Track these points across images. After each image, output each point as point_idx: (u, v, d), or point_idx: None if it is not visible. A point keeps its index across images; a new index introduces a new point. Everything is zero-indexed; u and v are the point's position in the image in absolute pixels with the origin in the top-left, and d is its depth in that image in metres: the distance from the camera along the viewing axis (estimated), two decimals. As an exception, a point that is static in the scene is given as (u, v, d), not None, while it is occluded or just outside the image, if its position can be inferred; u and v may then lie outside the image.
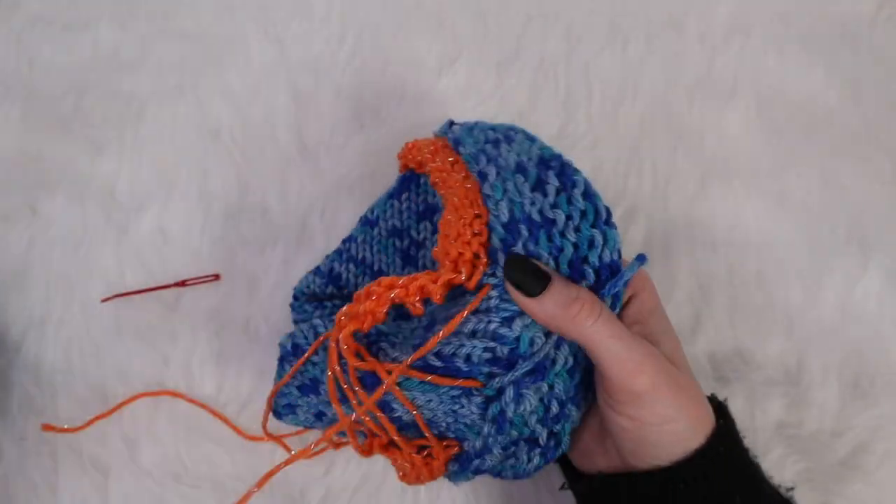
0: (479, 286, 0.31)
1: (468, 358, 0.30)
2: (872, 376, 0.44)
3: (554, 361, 0.31)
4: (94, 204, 0.51)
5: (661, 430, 0.29)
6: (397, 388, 0.31)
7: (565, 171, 0.31)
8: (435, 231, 0.41)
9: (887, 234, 0.48)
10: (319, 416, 0.37)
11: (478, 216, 0.32)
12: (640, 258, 0.31)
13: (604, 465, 0.33)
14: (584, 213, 0.30)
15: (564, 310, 0.28)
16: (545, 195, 0.30)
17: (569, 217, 0.30)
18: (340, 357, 0.31)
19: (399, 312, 0.35)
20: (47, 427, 0.43)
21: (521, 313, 0.30)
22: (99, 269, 0.48)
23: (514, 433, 0.32)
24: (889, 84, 0.55)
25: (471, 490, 0.42)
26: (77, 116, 0.55)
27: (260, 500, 0.42)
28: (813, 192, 0.50)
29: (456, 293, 0.32)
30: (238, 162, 0.52)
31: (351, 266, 0.42)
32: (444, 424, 0.32)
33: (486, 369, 0.30)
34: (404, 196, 0.42)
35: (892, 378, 0.43)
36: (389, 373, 0.30)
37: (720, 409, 0.32)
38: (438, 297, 0.31)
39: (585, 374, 0.33)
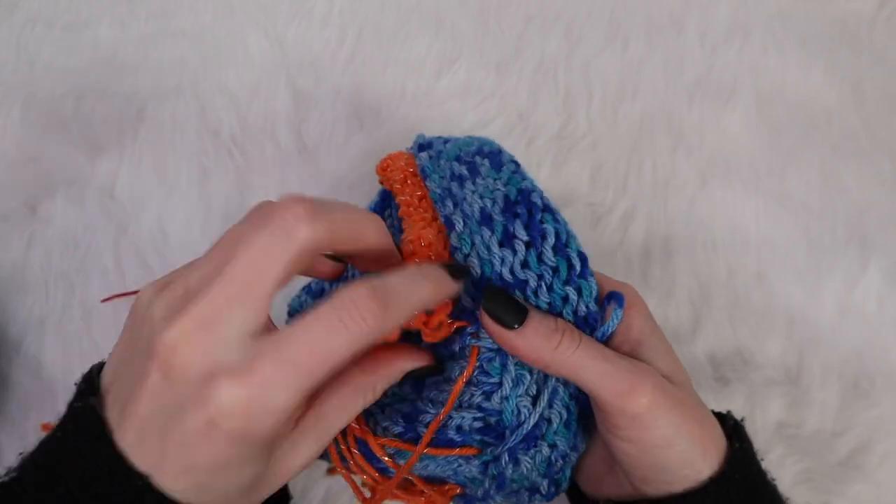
0: (463, 347, 0.30)
1: (459, 428, 0.29)
2: (872, 376, 0.44)
3: (549, 421, 0.30)
4: (94, 204, 0.51)
5: (667, 452, 0.27)
6: (392, 461, 0.30)
7: (533, 219, 0.29)
8: None
9: (887, 234, 0.48)
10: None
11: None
12: (619, 300, 0.30)
13: (613, 491, 0.31)
14: (555, 270, 0.29)
15: (545, 341, 0.27)
16: (514, 252, 0.29)
17: (540, 276, 0.29)
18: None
19: None
20: (47, 427, 0.43)
21: (500, 385, 0.29)
22: (99, 269, 0.48)
23: (515, 486, 0.31)
24: (889, 84, 0.55)
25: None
26: (77, 116, 0.55)
27: (260, 500, 0.42)
28: (813, 192, 0.50)
29: (437, 345, 0.31)
30: (238, 162, 0.52)
31: (339, 285, 0.42)
32: (444, 477, 0.32)
33: (478, 437, 0.29)
34: (386, 213, 0.41)
35: (892, 378, 0.43)
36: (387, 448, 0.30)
37: (736, 430, 0.30)
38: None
39: (583, 410, 0.32)
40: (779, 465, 0.41)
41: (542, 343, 0.27)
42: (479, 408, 0.29)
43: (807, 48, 0.56)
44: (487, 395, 0.29)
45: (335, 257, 0.33)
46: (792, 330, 0.45)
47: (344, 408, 0.27)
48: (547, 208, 0.30)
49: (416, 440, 0.30)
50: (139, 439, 0.23)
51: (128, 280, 0.48)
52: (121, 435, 0.23)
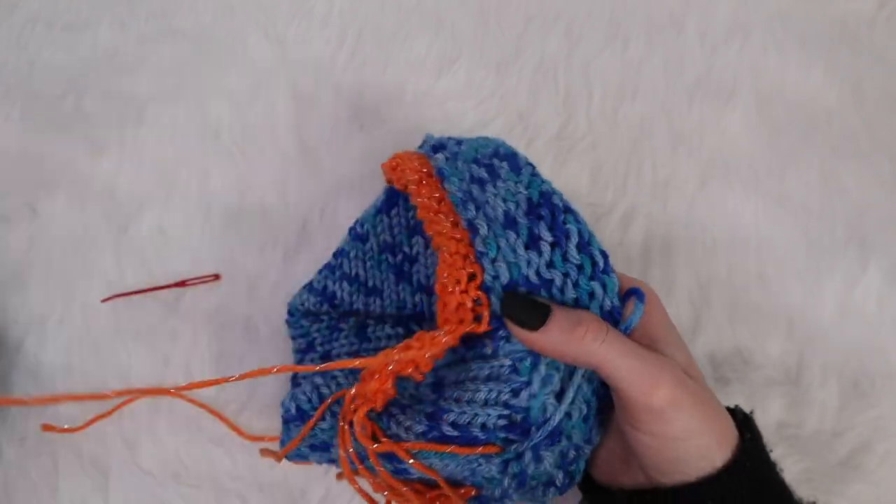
0: (496, 350, 0.30)
1: (484, 426, 0.30)
2: (872, 376, 0.44)
3: (569, 415, 0.30)
4: (94, 204, 0.51)
5: (687, 444, 0.28)
6: (416, 461, 0.31)
7: (556, 220, 0.30)
8: (427, 245, 0.40)
9: (887, 235, 0.48)
10: (331, 461, 0.37)
11: (472, 277, 0.31)
12: (640, 296, 0.30)
13: (627, 481, 0.32)
14: (580, 268, 0.29)
15: (570, 334, 0.28)
16: (540, 253, 0.30)
17: (566, 275, 0.29)
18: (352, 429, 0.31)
19: None
20: (47, 427, 0.43)
21: (528, 383, 0.29)
22: (99, 269, 0.48)
23: (534, 483, 0.32)
24: (889, 84, 0.55)
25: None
26: (77, 116, 0.55)
27: (260, 499, 0.42)
28: (813, 192, 0.50)
29: (457, 346, 0.32)
30: (238, 162, 0.52)
31: (345, 284, 0.42)
32: (461, 477, 0.32)
33: (502, 435, 0.30)
34: (393, 211, 0.41)
35: (893, 378, 0.43)
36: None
37: (746, 422, 0.31)
38: (441, 355, 0.31)
39: (601, 405, 0.32)
40: (779, 465, 0.41)
41: (567, 337, 0.28)
42: (506, 405, 0.29)
43: (807, 48, 0.56)
44: (515, 393, 0.29)
45: None
46: (792, 330, 0.45)
47: None
48: (568, 209, 0.30)
49: (439, 439, 0.30)
50: None
51: (128, 280, 0.48)
52: None
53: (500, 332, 0.30)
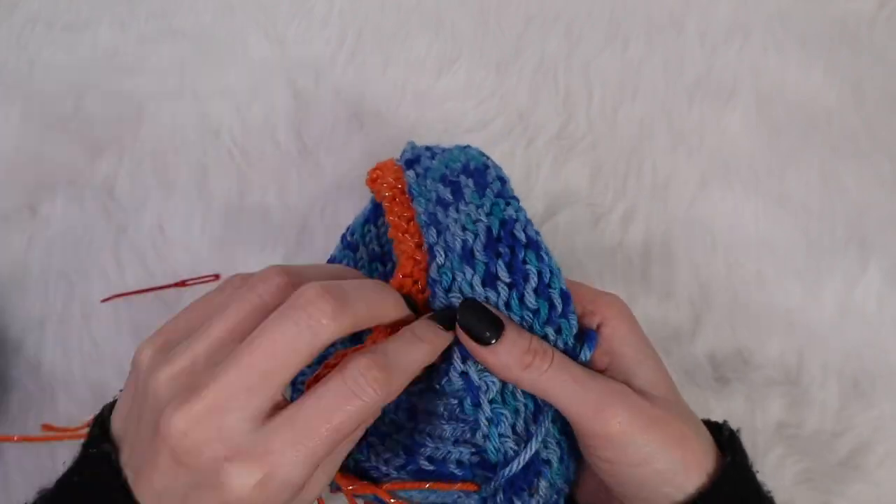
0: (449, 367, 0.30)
1: (460, 462, 0.30)
2: (872, 376, 0.44)
3: (549, 462, 0.30)
4: (94, 204, 0.51)
5: (644, 470, 0.27)
6: (397, 499, 0.31)
7: (516, 259, 0.29)
8: None
9: (887, 235, 0.48)
10: None
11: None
12: (591, 342, 0.30)
13: None
14: (536, 312, 0.29)
15: (517, 359, 0.27)
16: (497, 294, 0.29)
17: (521, 318, 0.29)
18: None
19: None
20: (47, 427, 0.43)
21: (476, 422, 0.29)
22: (99, 269, 0.48)
23: None
24: (889, 84, 0.55)
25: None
26: (77, 116, 0.55)
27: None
28: (813, 192, 0.50)
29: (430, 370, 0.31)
30: (238, 162, 0.52)
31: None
32: None
33: (479, 471, 0.30)
34: (380, 221, 0.40)
35: (892, 378, 0.43)
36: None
37: (731, 442, 0.29)
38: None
39: (572, 440, 0.32)
40: (779, 465, 0.41)
41: (512, 362, 0.27)
42: (472, 444, 0.29)
43: (807, 48, 0.56)
44: (473, 432, 0.29)
45: None
46: (792, 330, 0.45)
47: (351, 438, 0.27)
48: (530, 243, 0.30)
49: (417, 472, 0.30)
50: (156, 501, 0.24)
51: (128, 280, 0.48)
52: (139, 492, 0.24)
53: (454, 366, 0.29)
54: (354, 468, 0.32)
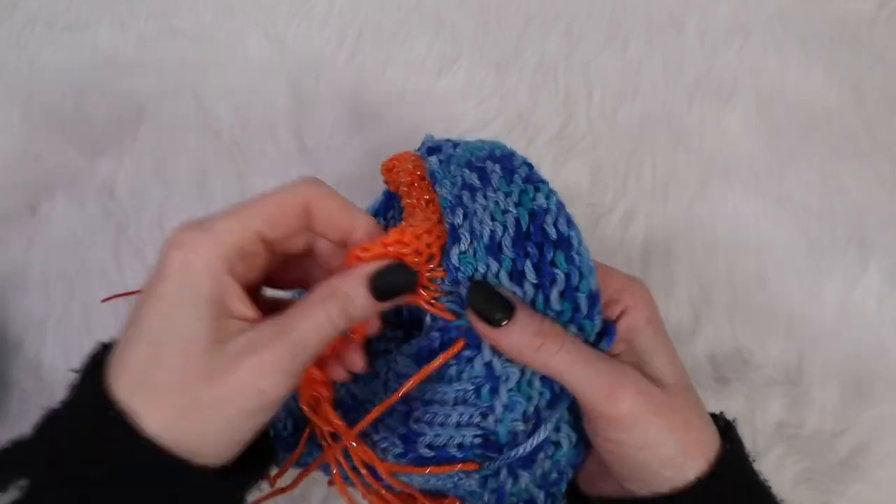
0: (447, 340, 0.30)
1: (461, 445, 0.30)
2: (872, 376, 0.44)
3: (558, 444, 0.30)
4: (94, 204, 0.51)
5: (647, 453, 0.28)
6: (397, 480, 0.31)
7: (543, 260, 0.29)
8: None
9: (887, 235, 0.48)
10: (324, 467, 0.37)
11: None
12: (610, 336, 0.30)
13: (606, 489, 0.32)
14: (559, 313, 0.29)
15: (528, 341, 0.28)
16: (523, 290, 0.29)
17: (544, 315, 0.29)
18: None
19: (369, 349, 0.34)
20: (47, 427, 0.43)
21: (492, 408, 0.29)
22: (99, 269, 0.48)
23: (514, 499, 0.32)
24: (889, 84, 0.55)
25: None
26: (77, 116, 0.55)
27: (260, 500, 0.42)
28: (813, 192, 0.50)
29: (421, 356, 0.32)
30: (238, 162, 0.52)
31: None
32: (445, 489, 0.32)
33: (479, 451, 0.30)
34: (389, 214, 0.40)
35: (892, 378, 0.43)
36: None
37: (727, 431, 0.30)
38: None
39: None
40: (779, 465, 0.41)
41: (525, 343, 0.28)
42: (478, 426, 0.29)
43: (807, 48, 0.56)
44: (484, 416, 0.29)
45: None
46: (792, 330, 0.45)
47: (308, 318, 0.26)
48: (560, 241, 0.29)
49: (417, 460, 0.30)
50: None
51: (128, 280, 0.48)
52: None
53: (465, 354, 0.30)
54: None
